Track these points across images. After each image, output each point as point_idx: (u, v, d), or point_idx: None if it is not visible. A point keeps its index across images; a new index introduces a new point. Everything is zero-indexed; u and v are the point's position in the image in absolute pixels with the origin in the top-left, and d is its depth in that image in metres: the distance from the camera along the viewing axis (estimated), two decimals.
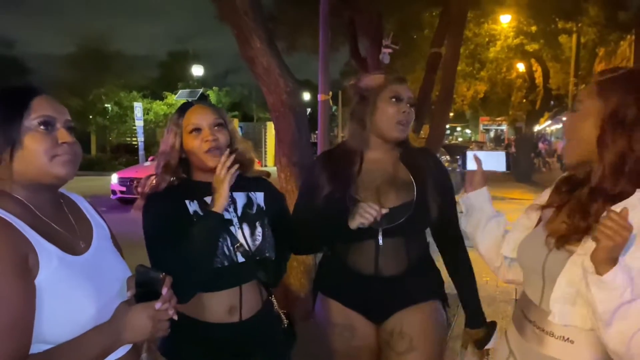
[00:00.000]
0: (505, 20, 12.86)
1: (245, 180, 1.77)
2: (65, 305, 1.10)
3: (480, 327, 1.95)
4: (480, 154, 1.71)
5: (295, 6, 9.15)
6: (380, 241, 1.84)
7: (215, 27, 9.60)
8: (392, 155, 1.94)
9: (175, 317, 1.25)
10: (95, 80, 26.05)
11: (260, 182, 1.85)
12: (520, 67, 17.87)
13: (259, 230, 1.73)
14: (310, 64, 10.15)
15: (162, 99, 28.43)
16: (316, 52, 5.85)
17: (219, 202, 1.58)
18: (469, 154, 1.69)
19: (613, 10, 12.30)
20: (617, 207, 1.15)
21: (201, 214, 1.65)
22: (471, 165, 1.68)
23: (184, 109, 1.73)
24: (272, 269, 1.75)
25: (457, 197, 1.81)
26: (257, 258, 1.70)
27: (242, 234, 1.69)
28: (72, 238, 1.21)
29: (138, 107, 20.81)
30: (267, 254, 1.73)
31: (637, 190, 1.19)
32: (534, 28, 12.25)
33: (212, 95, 30.69)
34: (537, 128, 20.40)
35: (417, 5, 9.67)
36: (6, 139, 1.12)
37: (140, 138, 20.32)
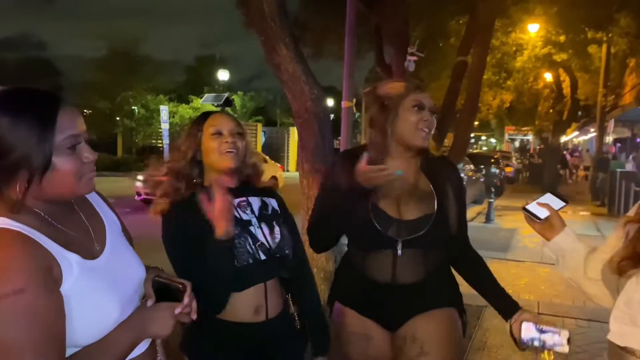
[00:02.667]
0: (534, 29, 12.69)
1: (258, 189, 1.87)
2: (92, 309, 1.12)
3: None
4: (539, 201, 1.63)
5: (321, 13, 9.20)
6: (400, 252, 1.83)
7: (241, 32, 9.71)
8: (412, 164, 1.92)
9: (195, 317, 1.30)
10: (123, 83, 26.55)
11: (271, 192, 1.93)
12: (548, 76, 17.61)
13: (277, 229, 1.80)
14: (335, 70, 10.19)
15: (187, 102, 28.80)
16: (341, 58, 5.86)
17: (222, 228, 1.59)
18: (531, 207, 1.61)
19: None
20: None
21: None
22: (542, 213, 1.59)
23: (206, 115, 1.83)
24: (292, 266, 1.82)
25: (478, 207, 1.77)
26: (278, 255, 1.76)
27: (262, 233, 1.76)
28: (88, 242, 1.21)
29: (164, 110, 21.07)
30: (286, 251, 1.79)
31: None
32: (562, 38, 12.06)
33: (237, 100, 30.99)
34: (563, 139, 20.04)
35: (443, 14, 9.63)
36: (39, 162, 1.08)
37: (166, 140, 20.54)
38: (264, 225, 1.78)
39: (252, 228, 1.74)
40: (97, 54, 28.62)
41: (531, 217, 1.58)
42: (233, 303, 1.68)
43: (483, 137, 56.77)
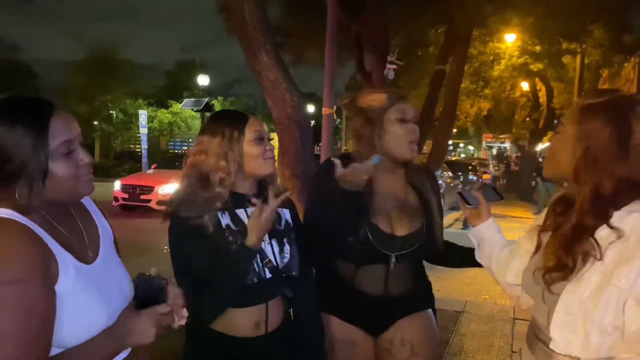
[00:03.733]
0: (510, 39, 12.94)
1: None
2: (81, 312, 1.13)
3: None
4: (472, 191, 1.81)
5: (302, 20, 9.23)
6: (392, 266, 1.86)
7: (222, 37, 9.69)
8: (399, 175, 1.95)
9: (183, 323, 1.28)
10: (102, 86, 26.22)
11: (285, 199, 1.81)
12: (525, 85, 17.94)
13: (287, 247, 1.75)
14: (315, 77, 10.23)
15: (167, 107, 28.57)
16: (322, 65, 5.89)
17: (256, 236, 1.58)
18: (466, 193, 1.77)
19: (618, 33, 12.41)
20: (600, 233, 1.19)
21: (234, 227, 1.65)
22: (473, 201, 1.74)
23: (242, 117, 1.72)
24: (298, 286, 1.77)
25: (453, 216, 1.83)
26: (284, 275, 1.72)
27: (272, 250, 1.71)
28: (82, 247, 1.23)
29: (143, 115, 20.91)
30: (293, 273, 1.75)
31: (615, 212, 1.20)
32: (538, 48, 12.32)
33: (217, 105, 30.81)
34: (540, 147, 20.41)
35: (423, 23, 9.75)
36: (39, 170, 1.11)
37: (144, 145, 20.39)
38: (274, 242, 1.72)
39: (262, 244, 1.67)
40: (75, 57, 28.19)
41: (463, 201, 1.75)
42: (232, 317, 1.65)
43: (461, 145, 57.45)
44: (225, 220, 1.65)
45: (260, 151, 1.69)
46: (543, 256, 1.32)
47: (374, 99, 1.88)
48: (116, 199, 11.80)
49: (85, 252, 1.23)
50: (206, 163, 1.65)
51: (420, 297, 2.00)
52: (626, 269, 1.14)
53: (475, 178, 17.57)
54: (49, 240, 1.12)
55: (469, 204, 1.75)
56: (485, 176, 19.02)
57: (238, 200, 1.69)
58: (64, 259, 1.13)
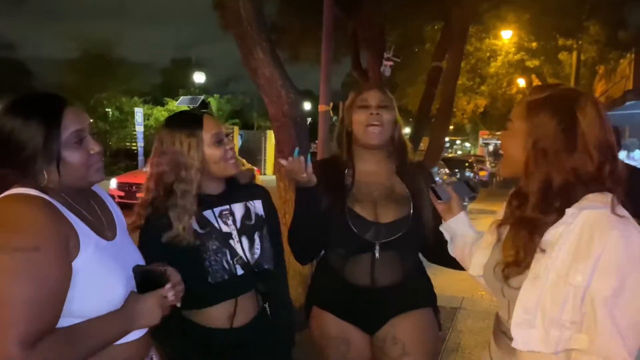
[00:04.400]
0: (507, 36, 12.95)
1: (241, 189, 1.77)
2: (98, 286, 1.18)
3: None
4: (444, 186, 1.76)
5: (298, 17, 9.22)
6: (377, 255, 1.86)
7: (218, 35, 9.68)
8: (386, 167, 1.97)
9: (179, 304, 1.36)
10: (97, 85, 26.12)
11: (256, 189, 1.85)
12: (521, 82, 17.96)
13: (257, 242, 1.74)
14: (312, 74, 10.22)
15: (163, 105, 28.50)
16: (318, 62, 5.90)
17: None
18: (438, 188, 1.74)
19: (613, 29, 12.42)
20: (553, 231, 1.20)
21: (200, 230, 1.64)
22: (445, 195, 1.73)
23: (195, 121, 1.65)
24: (271, 280, 1.75)
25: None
26: (256, 270, 1.71)
27: (241, 247, 1.69)
28: (101, 226, 1.30)
29: (139, 113, 20.85)
30: (265, 266, 1.74)
31: (567, 210, 1.20)
32: (534, 44, 12.34)
33: (213, 103, 30.77)
34: None
35: (419, 20, 9.76)
36: (52, 157, 1.19)
37: (140, 143, 20.33)
38: (244, 239, 1.71)
39: (231, 242, 1.68)
40: (70, 55, 28.10)
41: (435, 196, 1.73)
42: (204, 310, 1.66)
43: (458, 142, 57.55)
44: (194, 225, 1.64)
45: (220, 154, 1.65)
46: (502, 250, 1.34)
47: (348, 98, 2.01)
48: (112, 197, 11.65)
49: (104, 231, 1.29)
50: (169, 174, 1.62)
51: (416, 294, 1.96)
52: (581, 267, 1.15)
53: (472, 175, 17.58)
54: (70, 216, 1.18)
55: (440, 199, 1.73)
56: (482, 173, 19.05)
57: (205, 201, 1.65)
58: (86, 234, 1.20)
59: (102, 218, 1.33)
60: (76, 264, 1.14)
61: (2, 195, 1.15)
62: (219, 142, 1.65)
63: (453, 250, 1.73)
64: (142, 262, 1.36)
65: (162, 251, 1.55)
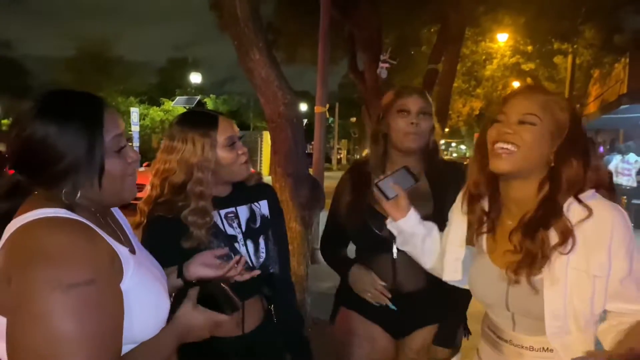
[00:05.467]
0: (503, 39, 13.00)
1: (247, 191, 1.73)
2: (147, 305, 1.09)
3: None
4: (388, 180, 1.63)
5: (295, 18, 9.22)
6: (395, 254, 1.85)
7: (214, 35, 9.67)
8: (415, 166, 1.90)
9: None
10: (93, 84, 26.05)
11: (262, 189, 1.80)
12: (516, 85, 18.00)
13: (262, 245, 1.70)
14: (308, 75, 10.23)
15: (159, 105, 28.44)
16: (315, 64, 5.90)
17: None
18: (382, 184, 1.61)
19: (608, 33, 12.49)
20: (574, 220, 1.22)
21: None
22: (391, 192, 1.61)
23: (211, 122, 1.60)
24: (276, 283, 1.71)
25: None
26: (261, 274, 1.63)
27: (247, 251, 1.66)
28: (125, 239, 1.19)
29: (135, 113, 20.81)
30: (270, 270, 1.70)
31: (571, 198, 1.25)
32: (530, 48, 12.40)
33: (210, 103, 30.74)
34: None
35: (416, 22, 9.77)
36: (95, 167, 1.04)
37: (136, 143, 20.27)
38: (249, 242, 1.67)
39: (236, 245, 1.64)
40: (66, 54, 28.03)
41: (381, 195, 1.61)
42: None
43: (453, 144, 57.65)
44: None
45: (233, 157, 1.60)
46: (499, 261, 1.33)
47: (385, 97, 1.97)
48: None
49: (128, 244, 1.17)
50: (178, 173, 1.57)
51: (442, 305, 1.85)
52: (597, 258, 1.19)
53: None
54: (106, 237, 1.04)
55: (388, 197, 1.61)
56: None
57: (218, 203, 1.63)
58: (123, 253, 1.06)
59: (118, 233, 1.19)
60: (123, 286, 1.03)
61: (32, 218, 0.98)
62: (232, 145, 1.61)
63: (402, 244, 1.68)
64: (161, 270, 1.26)
65: (167, 253, 1.45)
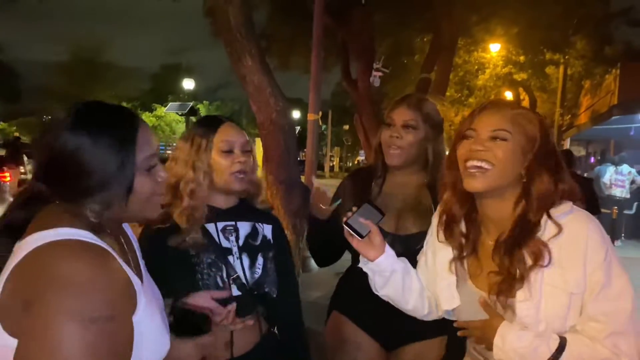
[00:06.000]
0: (495, 49, 13.09)
1: (253, 210, 1.67)
2: (153, 341, 1.04)
3: None
4: (356, 217, 1.44)
5: (289, 25, 9.23)
6: None
7: (208, 41, 9.66)
8: (417, 178, 1.89)
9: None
10: (85, 89, 25.98)
11: (270, 216, 1.73)
12: (508, 95, 18.13)
13: (259, 262, 1.60)
14: (301, 82, 10.22)
15: (151, 110, 28.38)
16: (308, 71, 5.89)
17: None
18: (352, 222, 1.43)
19: (599, 45, 12.65)
20: (548, 236, 1.19)
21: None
22: (364, 229, 1.43)
23: (213, 124, 1.58)
24: (275, 306, 1.59)
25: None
26: (255, 292, 1.55)
27: (241, 265, 1.56)
28: (135, 262, 1.12)
29: None
30: (266, 289, 1.58)
31: (544, 214, 1.22)
32: (522, 58, 12.50)
33: (202, 109, 30.73)
34: None
35: (409, 31, 9.82)
36: (124, 186, 0.99)
37: None
38: (244, 257, 1.57)
39: (230, 258, 1.54)
40: (58, 58, 27.92)
41: (352, 233, 1.43)
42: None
43: (446, 153, 57.87)
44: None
45: (226, 164, 1.53)
46: (482, 285, 1.29)
47: (389, 108, 1.93)
48: None
49: (137, 269, 1.10)
50: (175, 171, 1.53)
51: (439, 322, 1.80)
52: (573, 274, 1.16)
53: None
54: (124, 265, 0.98)
55: (360, 236, 1.43)
56: None
57: (208, 212, 1.55)
58: (137, 284, 1.00)
59: (129, 254, 1.12)
60: (135, 318, 0.96)
61: (53, 239, 0.91)
62: (228, 151, 1.54)
63: (381, 290, 1.52)
64: (161, 300, 1.19)
65: (156, 258, 1.37)
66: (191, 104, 27.49)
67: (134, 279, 1.00)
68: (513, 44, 11.89)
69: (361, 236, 1.42)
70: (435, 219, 1.43)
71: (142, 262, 1.17)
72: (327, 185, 1.95)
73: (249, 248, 1.59)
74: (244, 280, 1.54)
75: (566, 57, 12.11)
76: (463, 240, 1.34)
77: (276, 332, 1.61)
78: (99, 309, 0.87)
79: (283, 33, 9.51)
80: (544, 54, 11.75)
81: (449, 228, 1.36)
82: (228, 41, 3.66)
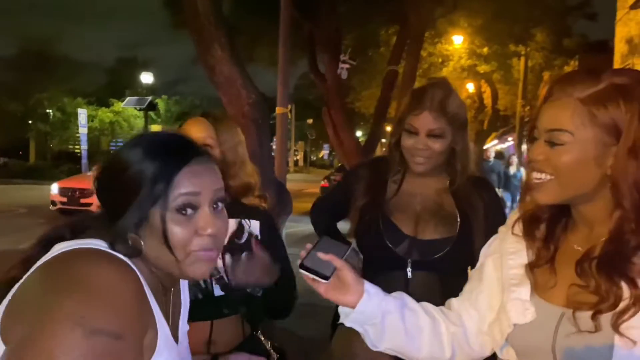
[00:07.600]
0: (458, 41, 13.21)
1: (240, 206, 1.60)
2: None
3: None
4: (312, 255, 1.10)
5: (254, 15, 9.03)
6: (409, 274, 1.65)
7: (164, 35, 9.35)
8: (438, 181, 1.76)
9: None
10: (37, 84, 24.98)
11: (258, 210, 1.66)
12: (470, 87, 18.40)
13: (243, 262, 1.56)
14: (264, 76, 10.01)
15: (108, 106, 27.55)
16: (273, 64, 5.76)
17: None
18: (309, 262, 1.09)
19: (559, 37, 12.94)
20: None
21: None
22: (327, 268, 1.08)
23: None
24: (259, 306, 1.58)
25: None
26: (238, 292, 1.54)
27: (223, 264, 1.53)
28: (174, 322, 1.02)
29: (82, 114, 20.10)
30: (249, 290, 1.56)
31: None
32: (485, 50, 12.66)
33: (161, 104, 30.05)
34: (485, 146, 21.17)
35: (374, 23, 9.76)
36: (138, 211, 0.90)
37: (84, 146, 19.60)
38: (227, 256, 1.53)
39: None
40: (7, 52, 26.72)
41: (312, 276, 1.08)
42: None
43: (471, 149, 58.79)
44: None
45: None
46: (565, 291, 1.01)
47: (403, 100, 1.80)
48: (54, 203, 11.07)
49: (175, 330, 1.00)
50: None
51: None
52: None
53: None
54: (154, 305, 0.88)
55: (324, 278, 1.07)
56: None
57: None
58: (165, 334, 0.90)
59: (174, 312, 1.03)
60: None
61: (87, 246, 0.87)
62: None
63: (382, 344, 1.15)
64: None
65: None
66: (150, 98, 26.83)
67: (162, 323, 0.91)
68: (478, 36, 12.02)
69: (326, 277, 1.07)
70: (511, 219, 1.16)
71: (184, 318, 1.08)
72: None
73: (233, 247, 1.56)
74: (226, 280, 1.53)
75: (527, 49, 12.32)
76: (542, 248, 1.07)
77: (260, 335, 1.59)
78: (107, 323, 0.79)
79: (248, 25, 9.29)
80: (508, 46, 11.94)
81: (529, 229, 1.10)
82: (195, 30, 3.45)
